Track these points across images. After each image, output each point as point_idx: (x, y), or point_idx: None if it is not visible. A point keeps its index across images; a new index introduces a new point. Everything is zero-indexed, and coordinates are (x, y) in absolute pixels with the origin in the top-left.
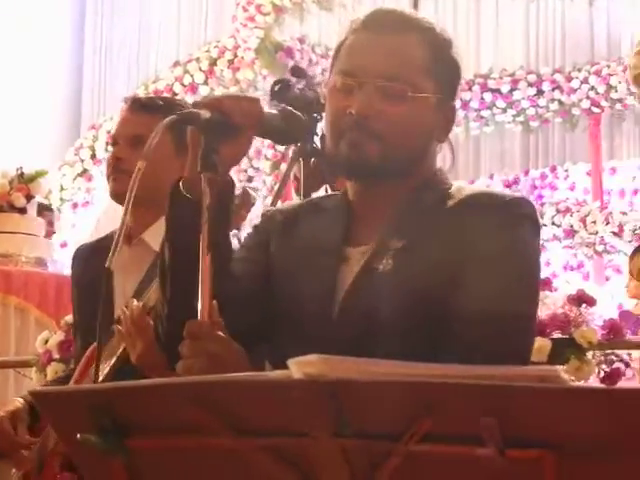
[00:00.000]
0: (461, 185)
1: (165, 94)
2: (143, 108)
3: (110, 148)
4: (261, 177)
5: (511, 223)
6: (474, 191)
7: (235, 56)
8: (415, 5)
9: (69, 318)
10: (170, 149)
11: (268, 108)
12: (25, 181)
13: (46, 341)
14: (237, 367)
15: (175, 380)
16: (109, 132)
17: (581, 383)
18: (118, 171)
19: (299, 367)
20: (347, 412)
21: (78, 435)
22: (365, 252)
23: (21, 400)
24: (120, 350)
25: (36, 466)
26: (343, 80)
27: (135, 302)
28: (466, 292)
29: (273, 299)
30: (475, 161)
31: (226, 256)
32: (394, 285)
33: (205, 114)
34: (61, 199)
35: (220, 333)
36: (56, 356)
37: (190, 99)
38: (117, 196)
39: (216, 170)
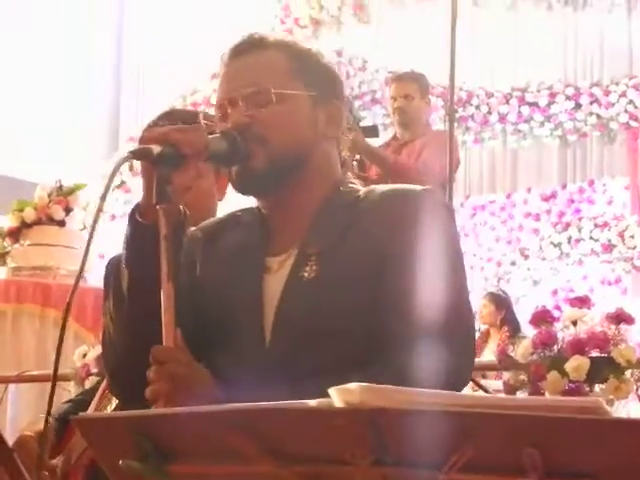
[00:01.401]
0: (369, 188)
1: (202, 106)
2: None
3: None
4: None
5: (426, 214)
6: (384, 189)
7: None
8: (453, 19)
9: None
10: (201, 166)
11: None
12: (64, 194)
13: (84, 355)
14: (202, 388)
15: (217, 407)
16: None
17: (619, 405)
18: None
19: (340, 395)
20: (388, 441)
21: (120, 461)
22: (284, 261)
23: (49, 419)
24: None
25: None
26: (219, 111)
27: None
28: (394, 289)
29: (201, 317)
30: (512, 174)
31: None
32: (322, 291)
33: (156, 148)
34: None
35: (184, 356)
36: (94, 370)
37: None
38: None
39: (170, 201)
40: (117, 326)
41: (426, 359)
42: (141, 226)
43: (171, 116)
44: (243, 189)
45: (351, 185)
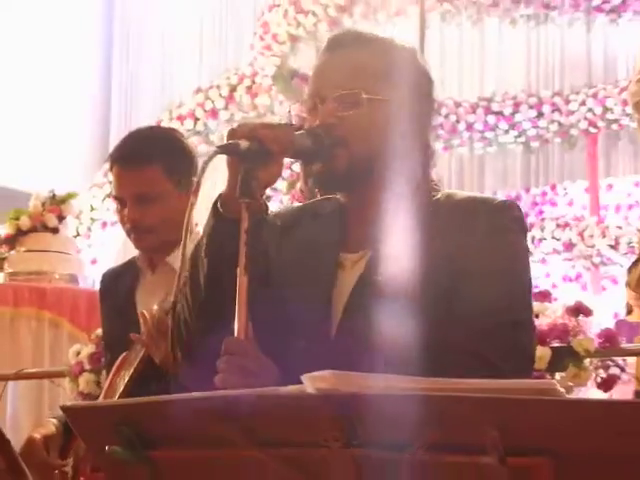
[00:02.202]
0: (450, 192)
1: (188, 119)
2: (134, 163)
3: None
4: (279, 197)
5: (503, 227)
6: (463, 197)
7: (253, 83)
8: (422, 33)
9: (99, 331)
10: (168, 186)
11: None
12: (57, 202)
13: (78, 353)
14: (268, 382)
15: (196, 395)
16: None
17: (579, 390)
18: (139, 231)
19: (312, 382)
20: (358, 424)
21: (106, 447)
22: (358, 260)
23: (55, 421)
24: (137, 362)
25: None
26: (310, 101)
27: (155, 307)
28: (466, 300)
29: (270, 302)
30: (479, 179)
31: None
32: (392, 295)
33: (244, 144)
34: (91, 219)
35: (254, 350)
36: (87, 367)
37: (211, 124)
38: (146, 250)
39: (254, 196)
40: (192, 311)
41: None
42: (223, 218)
43: (135, 135)
44: (323, 187)
45: (429, 187)
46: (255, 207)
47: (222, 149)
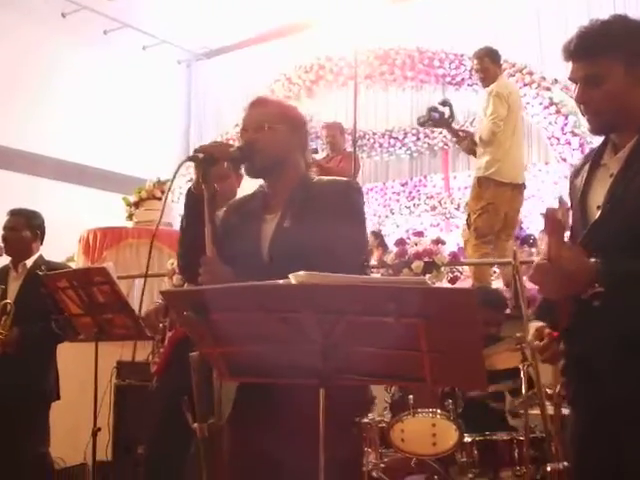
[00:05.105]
0: (319, 177)
1: (231, 141)
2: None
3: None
4: None
5: (350, 193)
6: (325, 179)
7: None
8: (355, 94)
9: None
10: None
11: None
12: (160, 184)
13: (172, 264)
14: (229, 279)
15: (223, 285)
16: None
17: (437, 283)
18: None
19: (294, 277)
20: (317, 299)
21: (185, 312)
22: (274, 217)
23: (160, 300)
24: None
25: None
26: (241, 131)
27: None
28: (329, 233)
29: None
30: (385, 172)
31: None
32: (293, 234)
33: (200, 155)
34: (180, 193)
35: (217, 262)
36: (177, 271)
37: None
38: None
39: (209, 182)
40: (183, 244)
41: (351, 267)
42: (193, 194)
43: (201, 146)
44: (250, 176)
45: (309, 176)
46: (210, 188)
47: (188, 158)
